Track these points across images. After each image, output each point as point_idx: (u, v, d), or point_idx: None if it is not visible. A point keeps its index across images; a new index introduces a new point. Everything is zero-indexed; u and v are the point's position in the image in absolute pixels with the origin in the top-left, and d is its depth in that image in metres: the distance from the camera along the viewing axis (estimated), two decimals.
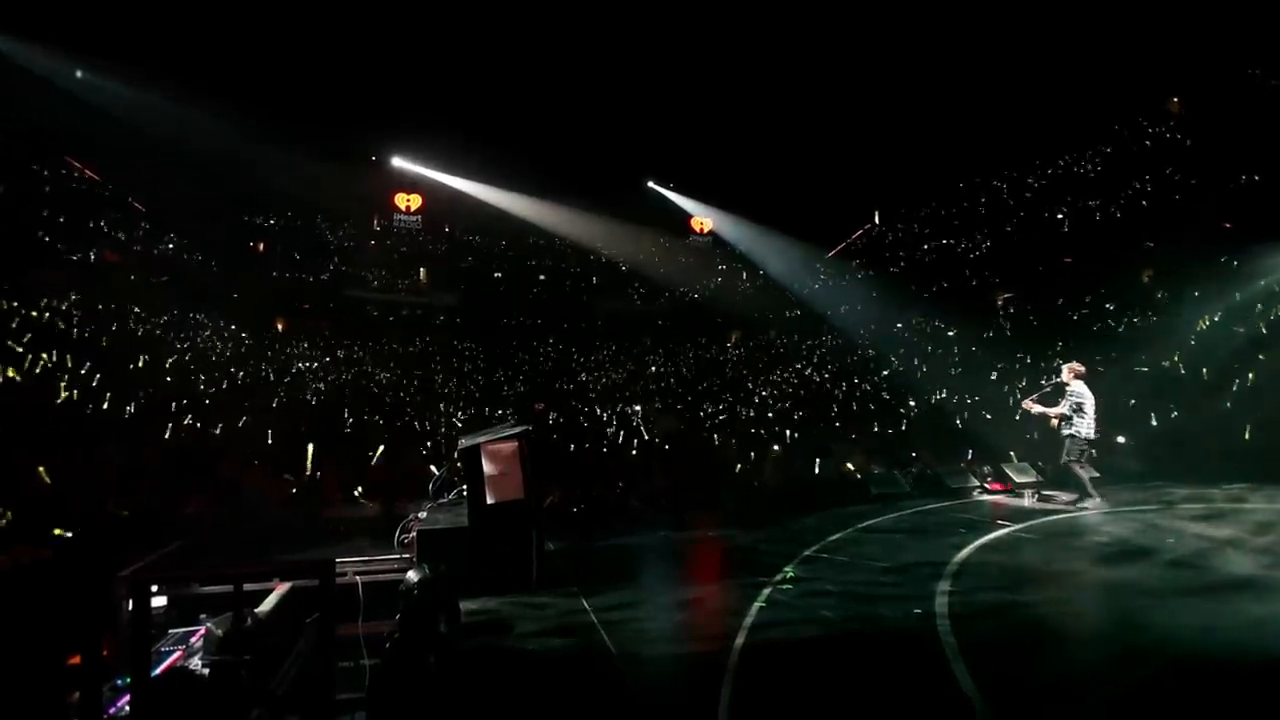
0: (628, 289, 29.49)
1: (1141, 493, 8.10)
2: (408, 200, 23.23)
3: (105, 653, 2.75)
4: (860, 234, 28.35)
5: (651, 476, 9.11)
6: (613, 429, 13.44)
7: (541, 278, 28.48)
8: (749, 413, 15.39)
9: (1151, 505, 7.51)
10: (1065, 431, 7.80)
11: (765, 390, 18.04)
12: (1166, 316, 13.33)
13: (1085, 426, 7.64)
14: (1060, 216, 19.76)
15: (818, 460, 9.98)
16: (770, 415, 14.60)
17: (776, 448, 11.19)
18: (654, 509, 8.15)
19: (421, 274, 24.19)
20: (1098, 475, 7.89)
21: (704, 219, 30.12)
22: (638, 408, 15.03)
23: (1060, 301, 16.20)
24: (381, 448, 8.46)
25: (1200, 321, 12.33)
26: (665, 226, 29.72)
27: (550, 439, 11.34)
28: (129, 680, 2.58)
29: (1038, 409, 8.08)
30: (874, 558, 5.92)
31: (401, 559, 5.18)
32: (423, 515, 5.99)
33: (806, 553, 6.15)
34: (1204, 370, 10.87)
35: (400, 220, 23.06)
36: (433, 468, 8.15)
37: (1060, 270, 17.77)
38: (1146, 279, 16.18)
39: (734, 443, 11.60)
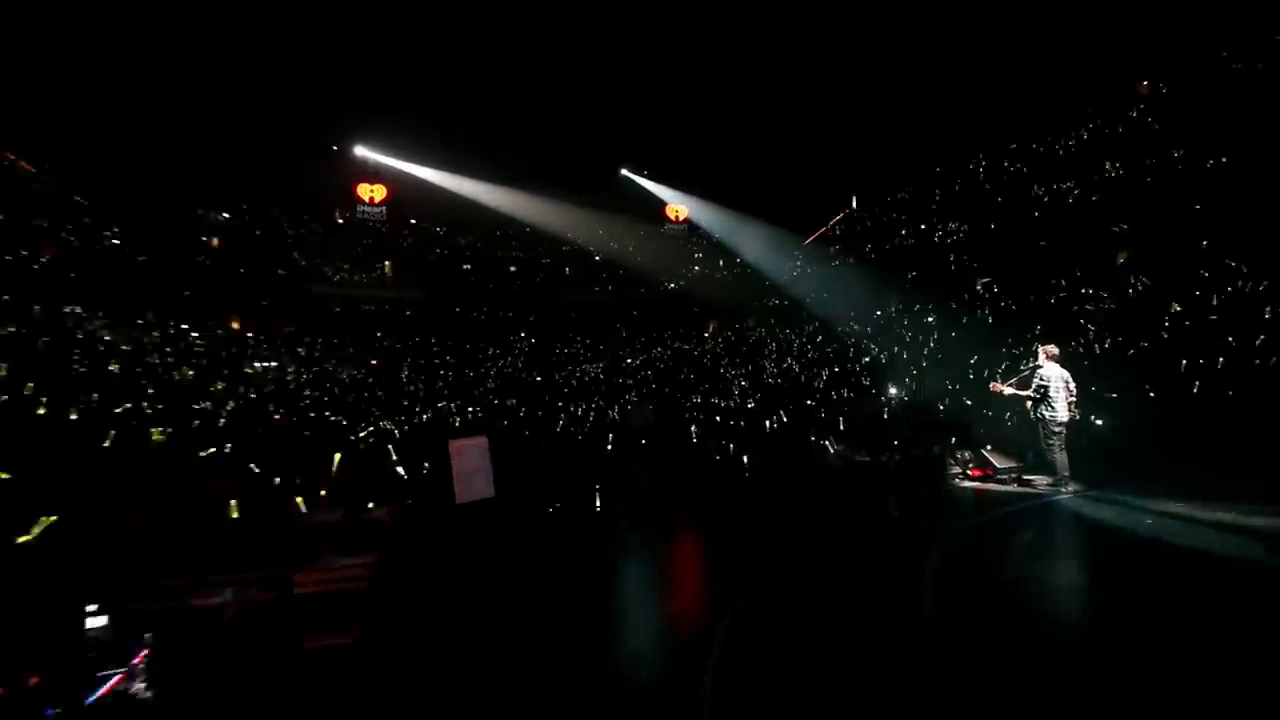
0: (601, 279, 29.33)
1: (1120, 475, 8.25)
2: (371, 190, 22.75)
3: (34, 682, 2.58)
4: (838, 219, 28.47)
5: (630, 473, 9.08)
6: (589, 424, 13.41)
7: (512, 269, 28.32)
8: (728, 403, 15.44)
9: (1131, 487, 7.66)
10: (1033, 415, 7.96)
11: (744, 380, 18.10)
12: (1141, 299, 13.57)
13: (1050, 409, 7.77)
14: (1037, 199, 19.99)
15: (798, 450, 9.99)
16: (750, 405, 14.65)
17: (756, 438, 11.22)
18: (632, 505, 8.13)
19: (386, 267, 23.80)
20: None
21: (679, 206, 30.01)
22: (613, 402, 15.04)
23: (1037, 285, 16.43)
24: (341, 453, 8.27)
25: (1173, 305, 12.56)
26: (639, 215, 29.57)
27: (523, 435, 11.30)
28: (59, 711, 2.42)
29: (1009, 390, 8.26)
30: (855, 548, 5.95)
31: (365, 565, 5.04)
32: (391, 519, 5.87)
33: (788, 546, 6.14)
34: (1179, 355, 11.07)
35: (364, 211, 22.58)
36: (400, 470, 7.99)
37: (1037, 254, 17.99)
38: (1121, 261, 16.49)
39: (714, 434, 11.60)
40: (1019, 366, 8.95)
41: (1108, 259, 16.56)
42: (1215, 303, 11.83)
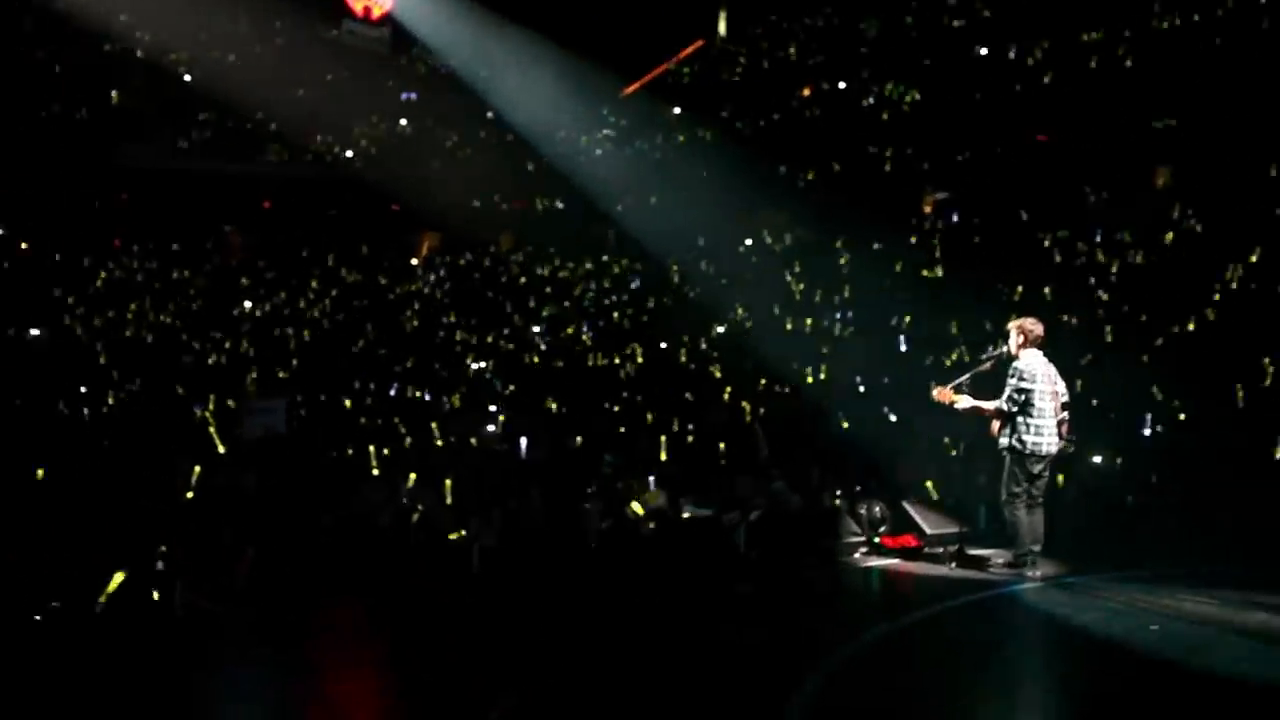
0: (201, 129, 28.12)
1: (1120, 551, 9.50)
2: None
3: None
4: (688, 55, 29.41)
5: (224, 541, 8.83)
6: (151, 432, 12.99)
7: None
8: (452, 401, 15.45)
9: (1133, 571, 8.81)
10: (1003, 443, 8.72)
11: (486, 359, 18.19)
12: (1191, 249, 15.66)
13: (1032, 431, 8.63)
14: (1032, 64, 22.23)
15: (572, 496, 10.39)
16: (498, 414, 14.77)
17: (503, 469, 11.36)
18: (237, 605, 7.94)
19: None
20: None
21: None
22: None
23: (1026, 213, 18.34)
24: None
25: (1232, 270, 14.63)
26: None
27: None
28: None
29: (965, 400, 9.00)
30: (649, 685, 6.20)
31: None
32: None
33: (531, 679, 6.29)
34: (1233, 349, 12.96)
35: None
36: None
37: (1029, 156, 20.04)
38: (1162, 182, 18.90)
39: (418, 459, 11.63)
40: (981, 356, 9.77)
41: (1140, 178, 18.87)
42: None
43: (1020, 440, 8.60)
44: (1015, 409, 8.60)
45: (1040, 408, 8.58)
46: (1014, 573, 8.80)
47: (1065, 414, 8.81)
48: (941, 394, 9.17)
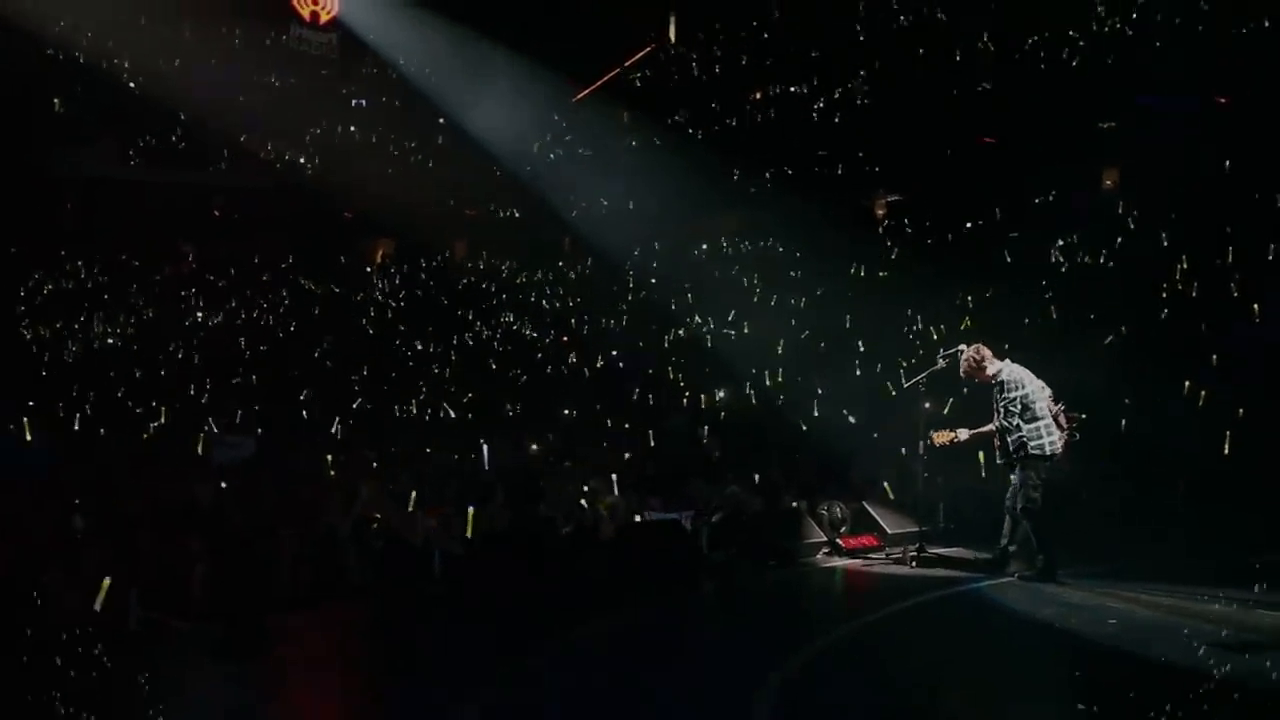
0: (145, 135, 27.84)
1: (1076, 547, 9.68)
2: None
3: None
4: (637, 61, 29.40)
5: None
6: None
7: None
8: (406, 408, 15.40)
9: (1090, 566, 9.07)
10: (1021, 455, 8.73)
11: (440, 364, 18.13)
12: (1133, 249, 15.97)
13: (1046, 434, 8.71)
14: (980, 64, 22.45)
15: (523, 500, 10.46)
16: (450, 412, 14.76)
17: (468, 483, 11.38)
18: (182, 615, 7.87)
19: None
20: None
21: None
22: None
23: (976, 218, 18.57)
24: None
25: (1179, 269, 14.93)
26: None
27: None
28: None
29: (964, 433, 9.13)
30: (615, 705, 6.20)
31: None
32: None
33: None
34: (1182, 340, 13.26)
35: None
36: None
37: (976, 159, 20.26)
38: (1109, 184, 19.19)
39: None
40: (936, 355, 9.97)
41: (1089, 177, 19.14)
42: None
43: (1038, 446, 8.74)
44: (1017, 419, 8.74)
45: (1039, 407, 8.78)
46: (993, 570, 9.03)
47: (1060, 405, 8.97)
48: (940, 436, 9.43)
